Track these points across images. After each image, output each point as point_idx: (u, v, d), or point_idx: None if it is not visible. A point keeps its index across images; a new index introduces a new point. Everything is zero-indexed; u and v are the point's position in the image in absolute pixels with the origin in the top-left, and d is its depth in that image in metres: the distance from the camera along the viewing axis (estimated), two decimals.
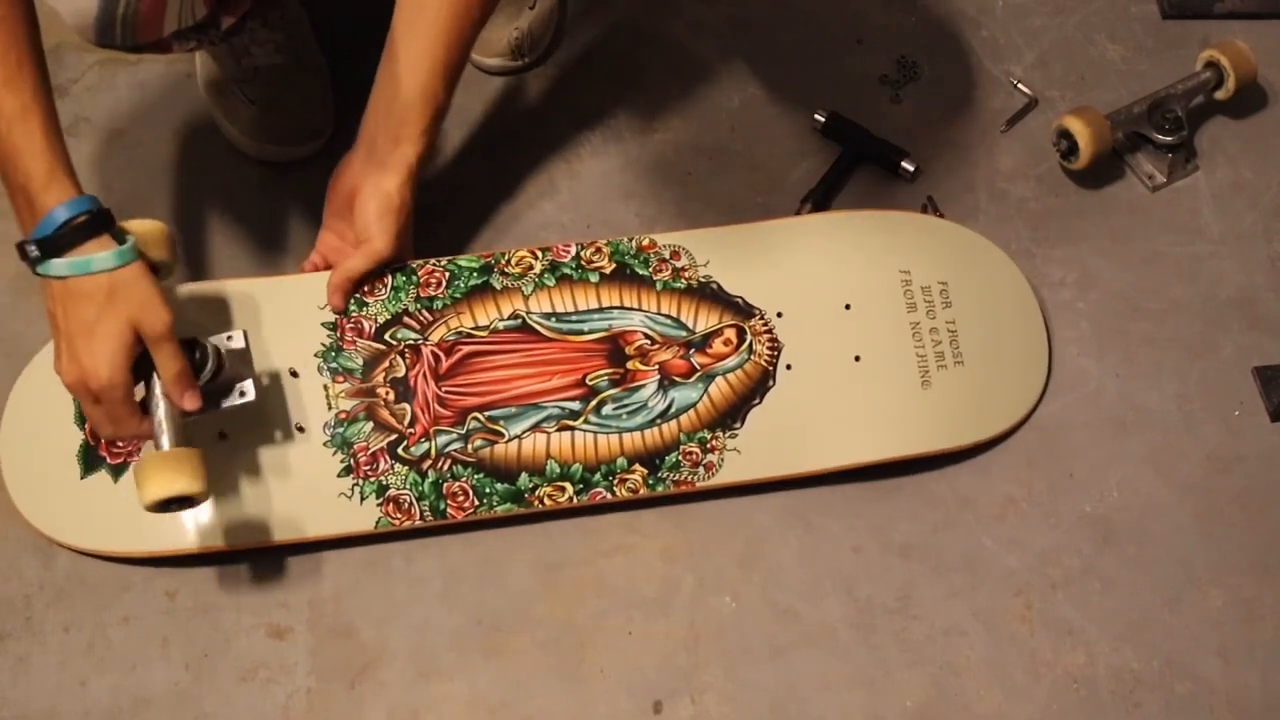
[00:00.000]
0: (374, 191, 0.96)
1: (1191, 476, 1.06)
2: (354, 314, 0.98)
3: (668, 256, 1.03)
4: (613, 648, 0.97)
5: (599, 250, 1.03)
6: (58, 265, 0.81)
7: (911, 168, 1.17)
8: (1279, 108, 1.26)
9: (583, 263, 1.02)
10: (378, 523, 0.96)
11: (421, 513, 0.96)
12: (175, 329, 0.83)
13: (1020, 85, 1.24)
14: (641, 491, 0.98)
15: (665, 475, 0.99)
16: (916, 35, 1.27)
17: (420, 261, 1.01)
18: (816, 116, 1.19)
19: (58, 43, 1.17)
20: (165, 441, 0.85)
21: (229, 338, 0.91)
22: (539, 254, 1.02)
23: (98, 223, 0.81)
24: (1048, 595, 1.01)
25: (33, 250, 0.81)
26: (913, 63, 1.25)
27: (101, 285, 0.81)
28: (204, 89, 1.13)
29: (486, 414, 0.97)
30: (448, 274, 1.00)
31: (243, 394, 0.91)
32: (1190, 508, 1.05)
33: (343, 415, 0.96)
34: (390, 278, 0.99)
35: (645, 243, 1.03)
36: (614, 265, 1.02)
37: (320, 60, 1.14)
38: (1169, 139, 1.17)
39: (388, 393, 0.97)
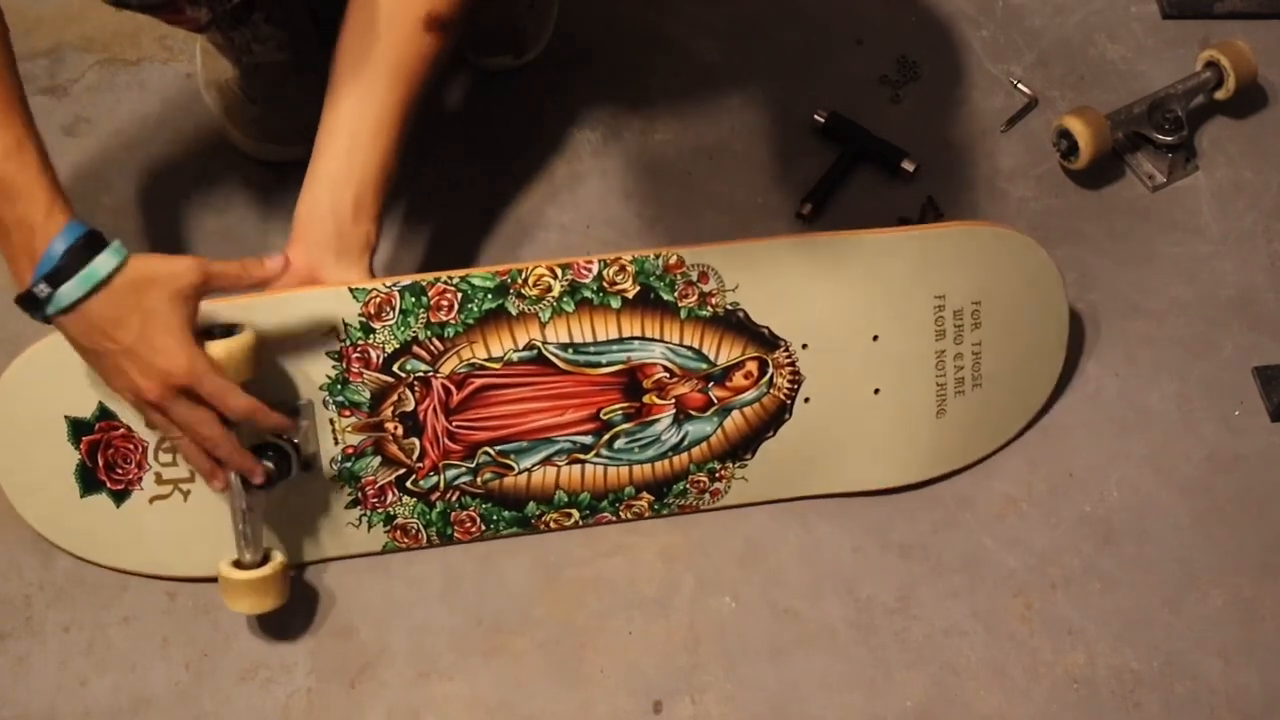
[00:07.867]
0: (344, 280, 0.91)
1: (1191, 476, 1.06)
2: (360, 342, 0.91)
3: (695, 279, 0.94)
4: (613, 648, 0.97)
5: (623, 269, 0.93)
6: (68, 290, 0.76)
7: (911, 168, 1.17)
8: (1279, 108, 1.26)
9: (605, 284, 0.93)
10: (385, 546, 0.96)
11: (429, 537, 0.97)
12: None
13: (1020, 85, 1.24)
14: (646, 515, 0.99)
15: (671, 501, 0.99)
16: (916, 35, 1.26)
17: (431, 279, 0.91)
18: (816, 116, 1.18)
19: (57, 42, 1.17)
20: (248, 553, 0.88)
21: (298, 409, 0.90)
22: (558, 272, 0.92)
23: (95, 240, 0.77)
24: (1048, 595, 1.01)
25: (43, 290, 0.76)
26: (913, 63, 1.24)
27: (121, 289, 0.77)
28: (204, 88, 1.13)
29: (497, 448, 0.95)
30: (460, 294, 0.92)
31: (307, 466, 0.92)
32: (1190, 508, 1.05)
33: (350, 450, 0.93)
34: (399, 299, 0.91)
35: (673, 261, 0.94)
36: (638, 288, 0.94)
37: (322, 59, 1.13)
38: (1169, 139, 1.17)
39: (396, 427, 0.93)
